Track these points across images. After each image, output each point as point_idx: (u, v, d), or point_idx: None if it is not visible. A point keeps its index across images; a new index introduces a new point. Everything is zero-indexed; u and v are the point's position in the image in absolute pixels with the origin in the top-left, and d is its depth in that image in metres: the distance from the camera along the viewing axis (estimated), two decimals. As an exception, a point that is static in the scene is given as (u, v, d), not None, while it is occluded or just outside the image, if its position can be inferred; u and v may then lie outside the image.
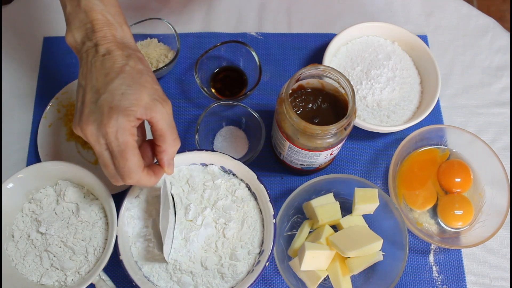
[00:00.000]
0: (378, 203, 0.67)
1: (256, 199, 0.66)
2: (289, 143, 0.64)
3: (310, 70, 0.61)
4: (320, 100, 0.65)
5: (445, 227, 0.74)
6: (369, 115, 0.76)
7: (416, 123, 0.75)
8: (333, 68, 0.61)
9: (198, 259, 0.63)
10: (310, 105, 0.65)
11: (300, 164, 0.70)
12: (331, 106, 0.65)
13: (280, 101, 0.62)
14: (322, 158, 0.67)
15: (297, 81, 0.62)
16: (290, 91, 0.63)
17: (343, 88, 0.62)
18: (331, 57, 0.79)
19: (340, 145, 0.65)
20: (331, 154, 0.66)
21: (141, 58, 0.55)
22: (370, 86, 0.76)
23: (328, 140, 0.61)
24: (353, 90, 0.60)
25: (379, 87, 0.76)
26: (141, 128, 0.57)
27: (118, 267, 0.67)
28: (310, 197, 0.70)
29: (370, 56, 0.79)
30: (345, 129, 0.61)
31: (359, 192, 0.67)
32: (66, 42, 0.58)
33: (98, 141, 0.51)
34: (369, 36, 0.81)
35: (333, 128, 0.58)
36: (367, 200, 0.66)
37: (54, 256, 0.65)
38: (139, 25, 0.79)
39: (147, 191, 0.65)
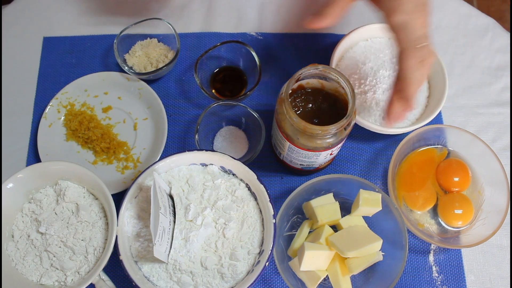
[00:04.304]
0: (380, 208, 0.67)
1: (256, 199, 0.66)
2: (289, 143, 0.64)
3: (310, 70, 0.61)
4: (320, 100, 0.65)
5: (446, 226, 0.74)
6: (364, 111, 0.76)
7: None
8: (333, 68, 0.61)
9: (198, 259, 0.63)
10: (310, 105, 0.65)
11: (300, 164, 0.70)
12: (331, 106, 0.65)
13: (280, 101, 0.62)
14: (322, 158, 0.67)
15: (297, 81, 0.62)
16: (290, 91, 0.63)
17: (342, 88, 0.62)
18: (347, 48, 0.78)
19: (340, 145, 0.65)
20: (331, 154, 0.66)
21: None
22: (374, 83, 0.76)
23: (328, 140, 0.61)
24: (353, 90, 0.60)
25: (383, 87, 0.76)
26: None
27: (118, 267, 0.67)
28: (310, 197, 0.70)
29: (385, 57, 0.78)
30: (345, 129, 0.61)
31: (364, 194, 0.66)
32: None
33: None
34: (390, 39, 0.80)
35: (333, 128, 0.58)
36: (371, 204, 0.66)
37: (54, 256, 0.65)
38: (139, 25, 0.79)
39: (146, 191, 0.65)
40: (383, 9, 0.59)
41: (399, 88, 0.60)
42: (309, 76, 0.63)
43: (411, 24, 0.56)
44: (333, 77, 0.62)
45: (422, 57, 0.58)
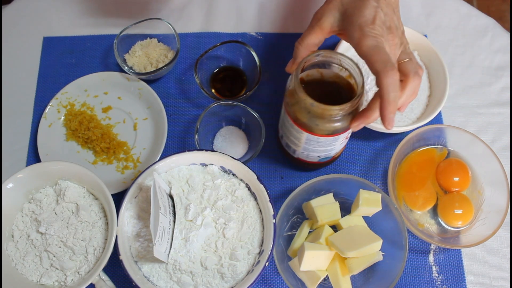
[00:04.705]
0: (380, 208, 0.67)
1: (256, 199, 0.66)
2: (306, 133, 0.63)
3: (314, 57, 0.61)
4: (322, 89, 0.64)
5: (446, 226, 0.74)
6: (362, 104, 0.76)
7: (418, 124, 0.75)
8: (333, 51, 0.61)
9: (198, 259, 0.63)
10: (314, 95, 0.64)
11: (318, 156, 0.70)
12: (335, 93, 0.64)
13: (290, 93, 0.61)
14: (339, 143, 0.67)
15: (302, 70, 0.62)
16: (290, 88, 0.63)
17: (345, 69, 0.62)
18: (347, 48, 0.78)
19: None
20: (346, 137, 0.66)
21: None
22: (374, 83, 0.76)
23: (344, 121, 0.61)
24: (358, 67, 0.59)
25: None
26: None
27: (118, 267, 0.67)
28: (310, 197, 0.70)
29: None
30: (357, 108, 0.61)
31: (364, 194, 0.66)
32: None
33: None
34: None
35: (349, 106, 0.58)
36: (371, 204, 0.66)
37: (54, 256, 0.65)
38: (139, 25, 0.79)
39: (146, 191, 0.65)
40: (352, 41, 0.58)
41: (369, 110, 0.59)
42: (310, 66, 0.63)
43: (382, 45, 0.56)
44: (335, 60, 0.62)
45: (414, 69, 0.59)
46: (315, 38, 0.63)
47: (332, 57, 0.62)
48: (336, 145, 0.67)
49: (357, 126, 0.60)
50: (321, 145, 0.65)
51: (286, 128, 0.67)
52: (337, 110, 0.58)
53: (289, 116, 0.64)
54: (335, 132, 0.63)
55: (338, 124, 0.61)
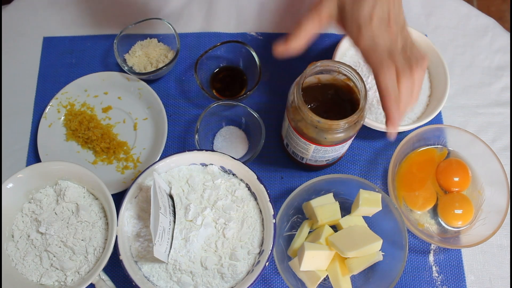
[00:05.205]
0: (380, 208, 0.67)
1: (256, 199, 0.66)
2: (314, 145, 0.64)
3: (313, 69, 0.61)
4: (321, 93, 0.64)
5: (446, 226, 0.74)
6: (366, 109, 0.76)
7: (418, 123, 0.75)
8: (330, 60, 0.61)
9: (198, 259, 0.63)
10: (315, 102, 0.64)
11: (326, 160, 0.70)
12: (334, 95, 0.64)
13: (294, 109, 0.61)
14: (347, 147, 0.68)
15: (303, 85, 0.62)
16: (294, 104, 0.63)
17: (343, 74, 0.62)
18: (348, 47, 0.79)
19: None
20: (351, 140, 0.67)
21: None
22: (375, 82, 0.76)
23: (351, 130, 0.61)
24: (356, 72, 0.59)
25: None
26: None
27: (118, 267, 0.67)
28: (310, 197, 0.70)
29: None
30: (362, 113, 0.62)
31: (364, 194, 0.66)
32: None
33: None
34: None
35: (355, 117, 0.58)
36: (371, 204, 0.66)
37: (54, 256, 0.65)
38: (139, 25, 0.79)
39: (146, 191, 0.65)
40: (350, 36, 0.58)
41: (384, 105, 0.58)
42: (313, 73, 0.63)
43: (380, 42, 0.55)
44: (333, 68, 0.61)
45: (408, 66, 0.56)
46: (311, 23, 0.60)
47: (330, 66, 0.61)
48: (344, 149, 0.68)
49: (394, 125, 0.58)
50: (329, 152, 0.66)
51: (293, 139, 0.67)
52: (344, 123, 0.59)
53: (296, 131, 0.64)
54: (343, 141, 0.63)
55: (345, 134, 0.61)
